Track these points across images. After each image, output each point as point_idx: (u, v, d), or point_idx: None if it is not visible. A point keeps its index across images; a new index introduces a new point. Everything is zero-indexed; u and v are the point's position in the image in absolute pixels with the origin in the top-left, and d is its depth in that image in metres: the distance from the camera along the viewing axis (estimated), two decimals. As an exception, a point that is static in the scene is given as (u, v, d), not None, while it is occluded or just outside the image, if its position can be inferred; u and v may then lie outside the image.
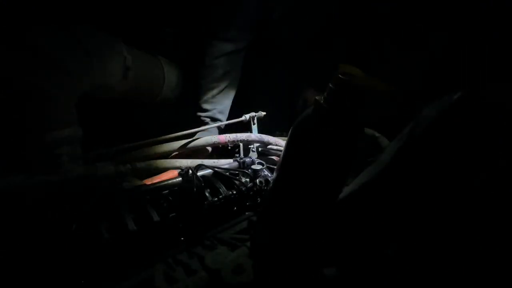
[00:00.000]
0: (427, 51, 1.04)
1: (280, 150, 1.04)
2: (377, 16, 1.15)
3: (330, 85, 0.43)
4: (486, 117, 0.39)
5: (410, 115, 0.47)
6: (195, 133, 1.00)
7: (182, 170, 0.72)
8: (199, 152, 1.00)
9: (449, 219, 0.44)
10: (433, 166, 0.43)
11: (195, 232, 0.64)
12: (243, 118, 1.14)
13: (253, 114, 1.15)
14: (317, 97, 0.44)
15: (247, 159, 0.89)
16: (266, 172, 0.85)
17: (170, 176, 0.78)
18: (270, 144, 1.06)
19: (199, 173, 0.73)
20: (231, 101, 1.24)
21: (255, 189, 0.75)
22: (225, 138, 0.97)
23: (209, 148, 1.03)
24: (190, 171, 0.70)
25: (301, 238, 0.54)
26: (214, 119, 1.17)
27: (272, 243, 0.56)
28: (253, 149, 1.07)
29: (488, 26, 0.92)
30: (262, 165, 0.87)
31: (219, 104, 1.19)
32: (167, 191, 0.70)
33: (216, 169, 0.76)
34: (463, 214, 0.44)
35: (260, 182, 0.81)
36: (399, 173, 0.45)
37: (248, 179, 0.77)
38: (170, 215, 0.64)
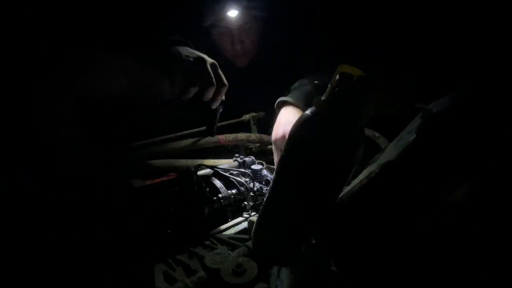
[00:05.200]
0: (427, 52, 1.04)
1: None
2: (376, 15, 1.15)
3: (330, 85, 0.43)
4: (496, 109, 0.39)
5: (410, 115, 0.47)
6: (195, 133, 1.00)
7: (182, 170, 0.72)
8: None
9: (456, 216, 0.45)
10: (447, 161, 0.43)
11: (195, 232, 0.64)
12: (243, 118, 1.15)
13: (253, 114, 1.16)
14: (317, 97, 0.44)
15: (247, 159, 0.89)
16: (266, 172, 0.85)
17: (170, 176, 0.78)
18: (270, 144, 1.06)
19: (199, 173, 0.73)
20: None
21: (255, 189, 0.75)
22: (225, 138, 0.97)
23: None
24: (190, 171, 0.70)
25: (301, 238, 0.54)
26: None
27: (272, 243, 0.56)
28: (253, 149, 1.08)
29: (489, 25, 0.92)
30: (262, 165, 0.87)
31: None
32: (167, 191, 0.70)
33: (216, 169, 0.76)
34: (472, 212, 0.44)
35: (260, 182, 0.81)
36: (406, 169, 0.45)
37: (248, 179, 0.77)
38: (170, 215, 0.64)
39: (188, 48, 0.83)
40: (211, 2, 1.11)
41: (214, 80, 0.82)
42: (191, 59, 0.80)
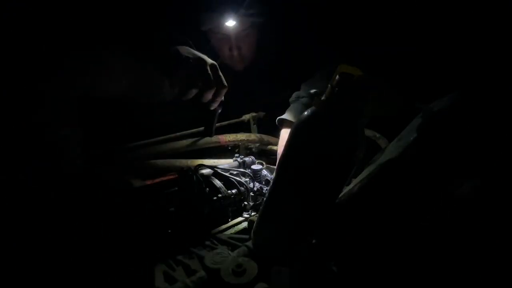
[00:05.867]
0: (426, 52, 1.04)
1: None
2: (376, 15, 1.15)
3: (330, 85, 0.43)
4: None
5: (409, 116, 0.47)
6: (195, 133, 1.00)
7: (182, 170, 0.72)
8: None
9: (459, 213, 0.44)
10: (448, 160, 0.43)
11: (195, 232, 0.64)
12: (243, 118, 1.15)
13: (253, 114, 1.16)
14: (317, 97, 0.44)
15: (247, 159, 0.89)
16: (266, 172, 0.85)
17: (170, 176, 0.78)
18: (270, 144, 1.06)
19: (199, 173, 0.73)
20: None
21: (255, 189, 0.75)
22: (225, 138, 0.97)
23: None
24: (190, 171, 0.70)
25: (301, 237, 0.54)
26: None
27: (272, 243, 0.56)
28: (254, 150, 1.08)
29: (488, 25, 0.92)
30: (262, 165, 0.87)
31: None
32: (167, 191, 0.70)
33: (216, 169, 0.76)
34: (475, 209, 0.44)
35: (260, 182, 0.81)
36: (407, 169, 0.45)
37: (248, 179, 0.77)
38: (170, 215, 0.64)
39: (188, 48, 0.83)
40: (208, 10, 1.10)
41: (213, 81, 0.82)
42: (191, 60, 0.79)
